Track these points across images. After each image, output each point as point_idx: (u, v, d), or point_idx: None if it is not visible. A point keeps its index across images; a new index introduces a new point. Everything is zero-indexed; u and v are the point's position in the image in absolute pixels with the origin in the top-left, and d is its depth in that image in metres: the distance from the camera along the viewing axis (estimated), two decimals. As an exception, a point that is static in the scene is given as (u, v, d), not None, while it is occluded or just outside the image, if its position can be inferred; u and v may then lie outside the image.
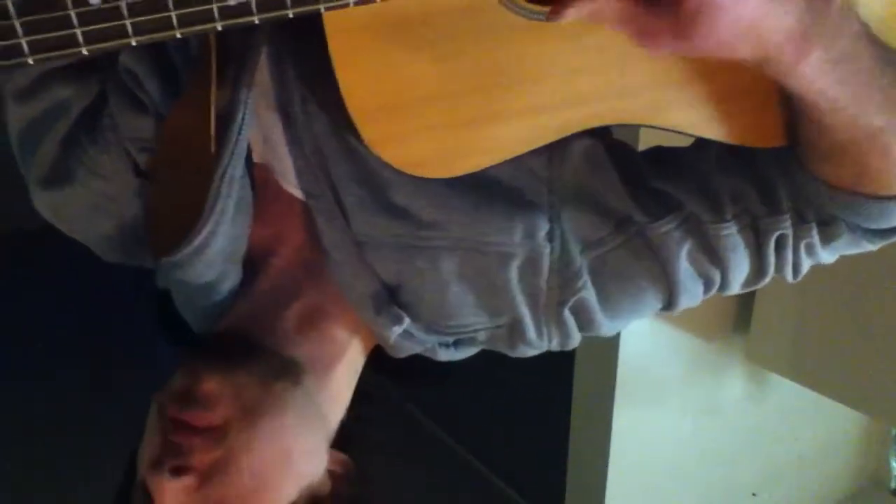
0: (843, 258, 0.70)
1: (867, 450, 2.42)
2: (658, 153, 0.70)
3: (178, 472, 0.60)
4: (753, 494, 2.19)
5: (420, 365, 0.73)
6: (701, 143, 0.65)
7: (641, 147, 0.71)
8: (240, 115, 0.59)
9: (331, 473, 0.69)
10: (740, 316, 1.92)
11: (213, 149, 0.59)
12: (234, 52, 0.58)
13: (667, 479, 2.00)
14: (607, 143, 0.66)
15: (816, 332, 1.78)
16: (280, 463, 0.64)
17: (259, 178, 0.68)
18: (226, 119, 0.59)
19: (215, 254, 0.64)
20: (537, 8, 0.52)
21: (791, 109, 0.58)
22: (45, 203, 0.69)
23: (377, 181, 0.62)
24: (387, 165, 0.59)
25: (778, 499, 2.25)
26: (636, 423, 1.85)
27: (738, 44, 0.47)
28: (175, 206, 0.65)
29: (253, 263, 0.71)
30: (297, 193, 0.67)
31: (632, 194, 0.65)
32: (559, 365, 1.88)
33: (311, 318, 0.70)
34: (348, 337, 0.71)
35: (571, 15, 0.47)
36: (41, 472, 1.92)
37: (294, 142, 0.64)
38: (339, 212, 0.64)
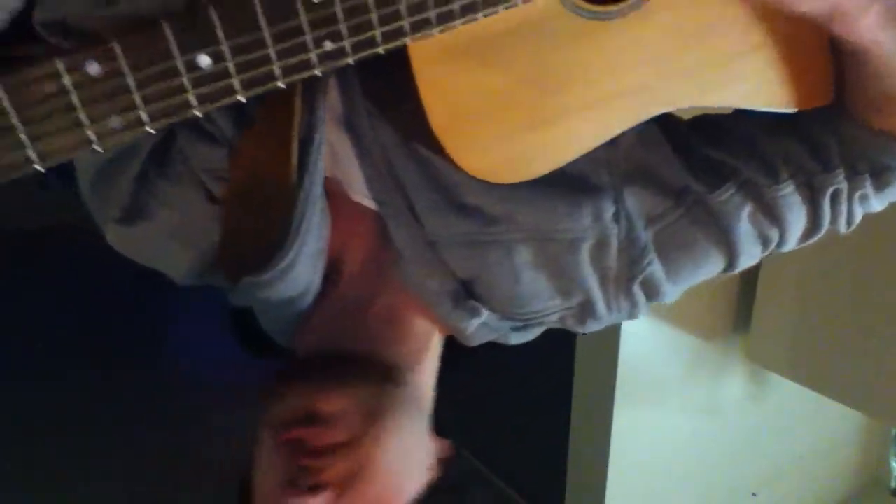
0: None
1: (867, 450, 2.42)
2: (702, 121, 0.72)
3: (315, 489, 0.61)
4: (753, 494, 2.19)
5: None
6: (744, 109, 0.67)
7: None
8: (318, 136, 0.62)
9: (439, 461, 0.71)
10: (740, 316, 1.92)
11: (294, 169, 0.62)
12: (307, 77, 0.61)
13: (667, 479, 2.00)
14: (656, 117, 0.68)
15: (816, 332, 1.78)
16: (406, 460, 0.66)
17: (329, 190, 0.69)
18: (304, 140, 0.62)
19: (301, 269, 0.66)
20: (599, 8, 0.55)
21: (845, 64, 0.61)
22: (122, 239, 0.70)
23: (447, 184, 0.65)
24: (455, 168, 0.61)
25: (778, 499, 2.25)
26: (636, 423, 1.85)
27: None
28: (252, 228, 0.66)
29: (326, 273, 0.72)
30: (367, 202, 0.69)
31: (687, 165, 0.67)
32: (559, 365, 1.88)
33: (392, 318, 0.71)
34: (428, 329, 0.72)
35: None
36: (41, 473, 1.92)
37: (363, 154, 0.66)
38: (411, 216, 0.67)
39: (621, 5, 0.56)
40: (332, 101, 0.65)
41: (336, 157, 0.68)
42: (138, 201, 0.68)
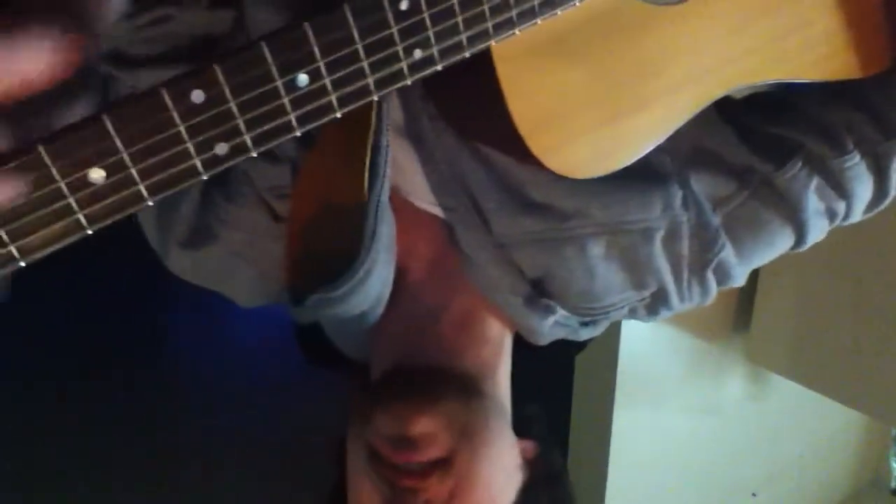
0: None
1: (867, 450, 2.42)
2: (760, 98, 0.72)
3: None
4: (753, 494, 2.19)
5: None
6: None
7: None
8: (384, 142, 0.61)
9: (526, 462, 0.71)
10: (740, 316, 1.92)
11: (366, 178, 0.62)
12: None
13: (667, 479, 2.00)
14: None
15: (816, 332, 1.78)
16: (499, 469, 0.66)
17: (390, 200, 0.69)
18: (373, 148, 0.61)
19: (374, 282, 0.65)
20: None
21: None
22: (185, 263, 0.70)
23: (514, 183, 0.64)
24: (522, 166, 0.61)
25: (778, 499, 2.25)
26: (636, 423, 1.85)
27: None
28: (319, 245, 0.66)
29: (394, 282, 0.70)
30: (433, 209, 0.68)
31: (748, 144, 0.66)
32: (559, 365, 1.88)
33: (465, 324, 0.70)
34: (500, 330, 0.72)
35: None
36: (41, 473, 1.92)
37: (427, 160, 0.66)
38: (479, 219, 0.66)
39: None
40: (394, 112, 0.65)
41: (397, 165, 0.67)
42: (203, 224, 0.67)
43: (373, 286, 0.65)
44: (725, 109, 0.67)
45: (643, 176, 0.64)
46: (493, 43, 0.46)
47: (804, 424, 2.20)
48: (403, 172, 0.67)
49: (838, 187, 0.66)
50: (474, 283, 0.69)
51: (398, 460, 0.62)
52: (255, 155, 0.40)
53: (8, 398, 1.91)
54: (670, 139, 0.64)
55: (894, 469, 2.37)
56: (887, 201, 0.69)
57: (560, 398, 1.92)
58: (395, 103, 0.65)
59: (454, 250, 0.69)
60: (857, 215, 0.69)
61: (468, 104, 0.57)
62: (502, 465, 0.67)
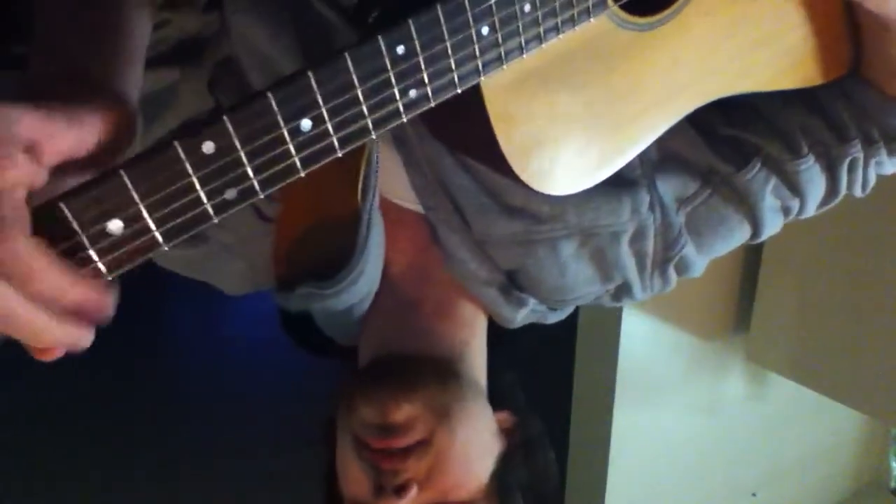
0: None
1: (867, 450, 2.42)
2: (722, 103, 0.74)
3: (401, 490, 0.66)
4: (753, 494, 2.19)
5: None
6: None
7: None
8: (375, 157, 0.66)
9: (502, 432, 0.75)
10: (740, 316, 1.92)
11: (360, 188, 0.66)
12: None
13: (667, 479, 2.00)
14: None
15: (816, 332, 1.78)
16: (476, 444, 0.70)
17: None
18: (366, 164, 0.66)
19: (365, 280, 0.70)
20: (644, 20, 0.59)
21: (866, 32, 0.64)
22: (174, 258, 0.73)
23: (494, 188, 0.68)
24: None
25: (778, 499, 2.25)
26: (636, 423, 1.85)
27: None
28: (311, 242, 0.71)
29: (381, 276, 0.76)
30: (413, 207, 0.73)
31: (710, 146, 0.70)
32: (559, 365, 1.88)
33: (443, 311, 0.75)
34: (474, 312, 0.76)
35: None
36: (42, 473, 1.92)
37: (410, 163, 0.70)
38: (460, 219, 0.70)
39: (663, 14, 0.59)
40: None
41: (384, 170, 0.70)
42: None
43: (363, 284, 0.70)
44: (691, 113, 0.71)
45: (615, 182, 0.67)
46: (481, 79, 0.48)
47: (804, 424, 2.19)
48: (387, 174, 0.71)
49: (793, 187, 0.70)
50: (453, 275, 0.74)
51: (380, 446, 0.67)
52: (262, 197, 0.42)
53: (7, 399, 1.91)
54: None
55: (894, 469, 2.37)
56: (838, 199, 0.73)
57: (560, 398, 1.92)
58: None
59: (434, 245, 0.74)
60: (811, 211, 0.74)
61: (458, 128, 0.60)
62: (479, 439, 0.71)
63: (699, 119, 0.70)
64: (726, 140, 0.71)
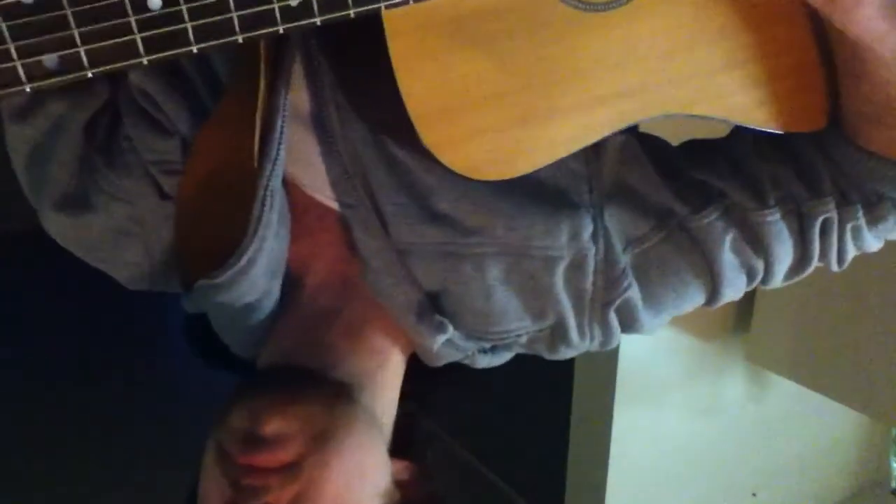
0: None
1: (867, 450, 2.42)
2: (691, 145, 0.70)
3: None
4: (753, 494, 2.19)
5: (427, 369, 0.72)
6: (736, 132, 0.65)
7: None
8: (279, 124, 0.58)
9: (398, 483, 0.67)
10: (740, 316, 1.92)
11: (255, 161, 0.58)
12: (269, 63, 0.58)
13: (667, 479, 2.00)
14: (640, 137, 0.66)
15: (816, 332, 1.78)
16: (356, 482, 0.63)
17: (291, 196, 0.67)
18: (264, 129, 0.58)
19: (260, 271, 0.62)
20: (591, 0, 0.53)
21: (844, 73, 0.58)
22: (62, 228, 0.66)
23: (419, 188, 0.62)
24: (430, 172, 0.59)
25: (778, 499, 2.25)
26: (636, 423, 1.85)
27: None
28: (208, 228, 0.63)
29: (289, 283, 0.69)
30: (332, 204, 0.66)
31: (671, 187, 0.64)
32: (559, 365, 1.88)
33: (353, 332, 0.68)
34: (390, 344, 0.69)
35: None
36: (40, 474, 1.93)
37: (329, 152, 0.63)
38: (378, 221, 0.63)
39: None
40: (299, 98, 0.63)
41: (299, 156, 0.65)
42: (81, 191, 0.64)
43: (258, 275, 0.62)
44: (654, 149, 0.66)
45: (555, 202, 0.62)
46: (383, 8, 0.42)
47: (804, 424, 2.19)
48: (303, 162, 0.65)
49: (756, 242, 0.64)
50: (370, 289, 0.66)
51: (243, 461, 0.60)
52: (90, 75, 0.36)
53: (7, 399, 1.91)
54: (592, 170, 0.63)
55: (894, 469, 2.37)
56: (810, 268, 0.66)
57: (560, 398, 1.92)
58: (303, 90, 0.62)
59: (355, 255, 0.66)
60: (779, 277, 0.67)
61: (369, 87, 0.54)
62: (360, 478, 0.63)
63: (662, 156, 0.66)
64: (689, 182, 0.65)
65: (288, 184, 0.66)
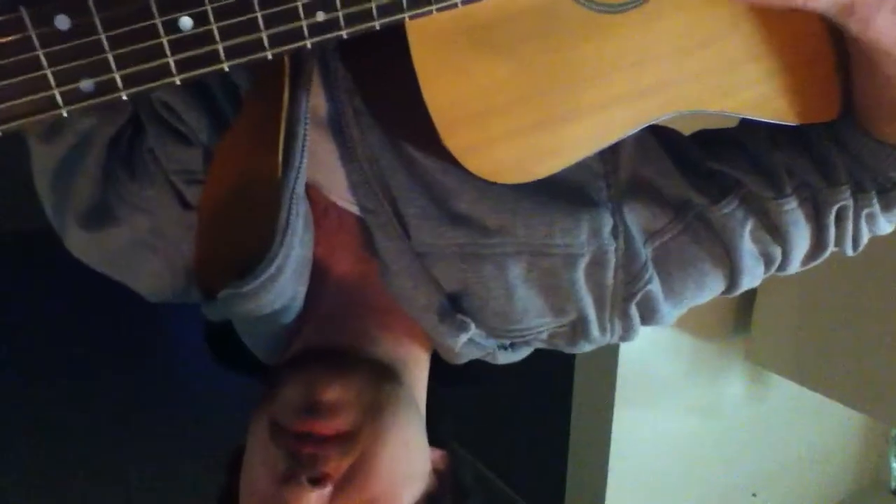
0: (842, 259, 0.70)
1: (867, 450, 2.42)
2: (706, 135, 0.70)
3: (316, 482, 0.58)
4: (753, 494, 2.19)
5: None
6: (750, 122, 0.65)
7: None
8: (301, 130, 0.59)
9: (434, 470, 0.68)
10: (740, 316, 1.92)
11: (280, 170, 0.59)
12: (288, 72, 0.58)
13: (667, 479, 2.00)
14: (655, 130, 0.66)
15: (816, 332, 1.78)
16: (404, 459, 0.63)
17: (311, 198, 0.66)
18: (287, 138, 0.59)
19: (288, 277, 0.62)
20: (607, 0, 0.53)
21: (857, 70, 0.59)
22: (86, 245, 0.66)
23: (438, 190, 0.62)
24: (449, 174, 0.59)
25: (778, 499, 2.25)
26: (636, 423, 1.85)
27: None
28: (230, 236, 0.63)
29: (315, 282, 0.68)
30: (351, 208, 0.66)
31: (687, 178, 0.65)
32: (559, 365, 1.88)
33: (381, 323, 0.68)
34: (413, 340, 0.70)
35: None
36: (40, 474, 1.93)
37: (348, 157, 0.63)
38: (399, 225, 0.63)
39: (625, 0, 0.54)
40: (317, 104, 0.63)
41: (318, 161, 0.65)
42: (105, 204, 0.64)
43: (286, 282, 0.63)
44: (668, 141, 0.66)
45: (574, 200, 0.63)
46: (407, 18, 0.43)
47: (804, 424, 2.19)
48: (324, 169, 0.65)
49: (774, 230, 0.64)
50: (389, 290, 0.66)
51: (302, 428, 0.60)
52: (125, 98, 0.37)
53: (6, 399, 1.91)
54: (609, 166, 0.63)
55: (894, 469, 2.37)
56: (825, 254, 0.67)
57: (560, 398, 1.93)
58: (320, 95, 0.63)
59: (375, 256, 0.66)
60: (796, 264, 0.67)
61: (389, 94, 0.54)
62: (408, 458, 0.63)
63: (677, 148, 0.66)
64: (705, 173, 0.65)
65: (308, 187, 0.66)
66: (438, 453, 0.69)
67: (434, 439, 0.68)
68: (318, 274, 0.68)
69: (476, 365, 0.72)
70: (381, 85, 0.56)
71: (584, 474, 1.94)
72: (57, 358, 2.12)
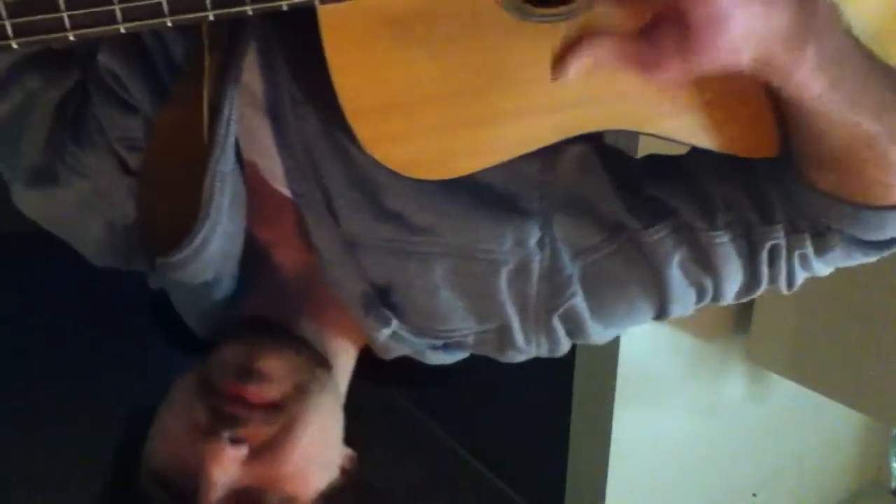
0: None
1: (867, 450, 2.42)
2: (653, 160, 0.70)
3: (235, 441, 0.60)
4: (753, 495, 2.19)
5: (423, 365, 0.73)
6: (696, 152, 0.65)
7: (639, 156, 0.71)
8: (226, 110, 0.59)
9: (342, 469, 0.70)
10: (740, 316, 1.92)
11: (205, 136, 0.60)
12: (222, 48, 0.60)
13: (667, 479, 2.00)
14: (601, 149, 0.66)
15: (816, 332, 1.78)
16: (320, 445, 0.65)
17: (251, 178, 0.68)
18: (212, 114, 0.60)
19: (213, 253, 0.64)
20: (535, 10, 0.52)
21: (786, 118, 0.57)
22: (30, 202, 0.69)
23: (370, 185, 0.63)
24: (381, 169, 0.59)
25: (778, 499, 2.25)
26: (636, 423, 1.85)
27: (744, 50, 0.48)
28: (169, 206, 0.65)
29: (259, 263, 0.71)
30: (287, 192, 0.67)
31: (625, 201, 0.65)
32: (559, 365, 1.88)
33: (318, 315, 0.70)
34: (348, 333, 0.72)
35: (573, 72, 0.52)
36: (40, 474, 1.92)
37: (283, 143, 0.64)
38: (329, 212, 0.65)
39: (558, 10, 0.53)
40: (257, 88, 0.64)
41: (255, 142, 0.66)
42: (49, 166, 0.66)
43: (212, 256, 0.64)
44: (612, 161, 0.66)
45: (504, 207, 0.63)
46: (316, 2, 0.42)
47: (804, 424, 2.19)
48: (262, 151, 0.66)
49: (704, 262, 0.65)
50: (324, 277, 0.68)
51: (234, 391, 0.62)
52: (15, 46, 0.36)
53: (6, 399, 1.91)
54: (546, 177, 0.64)
55: (894, 469, 2.37)
56: (761, 289, 0.67)
57: (560, 398, 1.92)
58: (260, 80, 0.64)
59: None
60: (729, 297, 0.68)
61: (318, 80, 0.54)
62: (324, 445, 0.66)
63: (619, 170, 0.66)
64: (643, 198, 0.65)
65: (250, 167, 0.68)
66: (348, 452, 0.70)
67: (346, 438, 0.70)
68: (264, 257, 0.71)
69: (461, 368, 0.73)
70: (312, 72, 0.56)
71: (584, 474, 1.94)
72: (56, 358, 2.12)
